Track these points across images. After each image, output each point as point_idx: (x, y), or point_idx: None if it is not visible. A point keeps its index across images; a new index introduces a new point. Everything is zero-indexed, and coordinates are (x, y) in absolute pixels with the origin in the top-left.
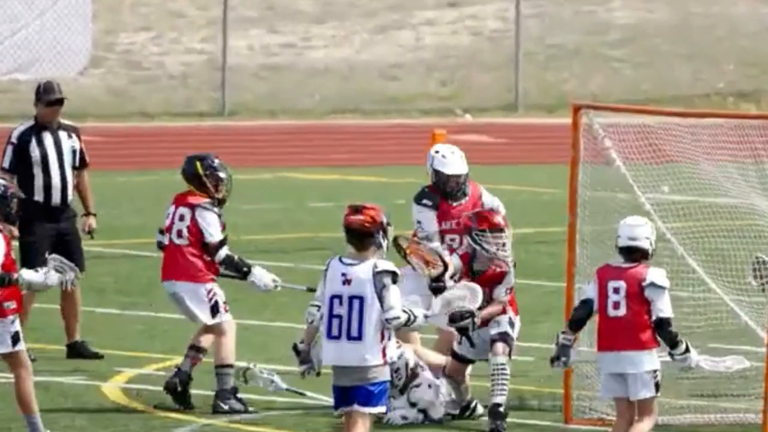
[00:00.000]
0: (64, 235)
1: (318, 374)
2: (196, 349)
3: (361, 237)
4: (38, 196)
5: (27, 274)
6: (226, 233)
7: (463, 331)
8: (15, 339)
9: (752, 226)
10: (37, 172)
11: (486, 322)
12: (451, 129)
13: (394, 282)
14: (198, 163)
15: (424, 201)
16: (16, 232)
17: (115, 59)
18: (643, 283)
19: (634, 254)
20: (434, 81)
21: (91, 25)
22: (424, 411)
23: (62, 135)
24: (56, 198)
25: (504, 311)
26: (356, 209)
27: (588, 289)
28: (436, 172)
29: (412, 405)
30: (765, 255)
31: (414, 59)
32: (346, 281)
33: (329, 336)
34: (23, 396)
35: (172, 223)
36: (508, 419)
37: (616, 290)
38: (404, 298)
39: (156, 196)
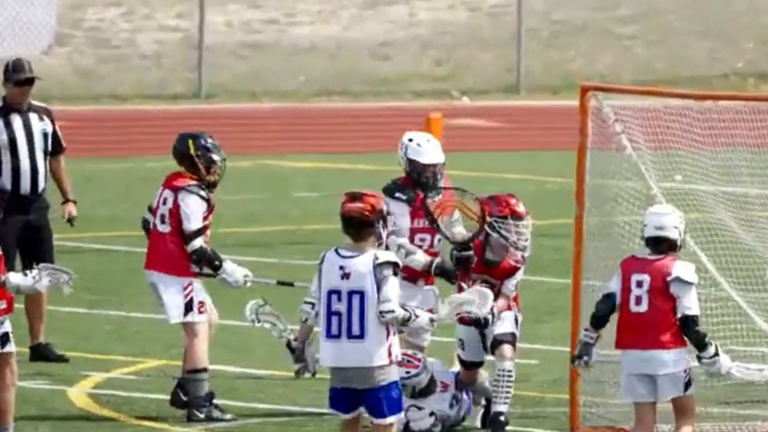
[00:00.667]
0: (34, 228)
1: (313, 375)
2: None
3: (360, 227)
4: (5, 184)
5: (14, 278)
6: (209, 222)
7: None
8: (3, 340)
9: None
10: (5, 157)
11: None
12: (447, 112)
13: (395, 274)
14: (190, 142)
15: (398, 194)
16: None
17: (82, 37)
18: (668, 278)
19: (661, 245)
20: (429, 60)
21: None
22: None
23: (33, 117)
24: (25, 186)
25: (509, 307)
26: (355, 197)
27: (612, 282)
28: (411, 162)
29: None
30: None
31: (407, 36)
32: (345, 275)
33: (328, 335)
34: (1, 403)
35: (158, 206)
36: (509, 427)
37: (639, 284)
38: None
39: (127, 186)
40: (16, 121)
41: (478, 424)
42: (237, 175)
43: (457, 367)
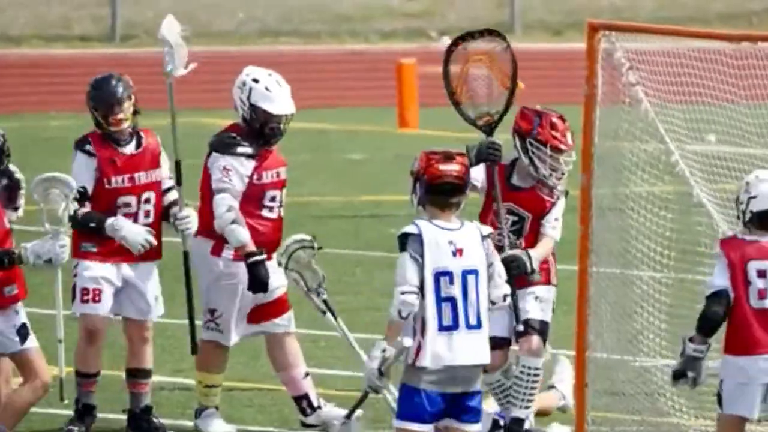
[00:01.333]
0: None
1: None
2: (134, 374)
3: (459, 192)
4: None
5: (32, 246)
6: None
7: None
8: (22, 334)
9: None
10: None
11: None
12: (423, 58)
13: None
14: (90, 86)
15: (240, 149)
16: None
17: None
18: None
19: None
20: None
21: None
22: None
23: None
24: None
25: (547, 277)
26: (448, 156)
27: (716, 276)
28: (254, 109)
29: None
30: None
31: None
32: (457, 251)
33: (441, 327)
34: (14, 408)
35: None
36: None
37: (763, 273)
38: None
39: (23, 148)
40: None
41: None
42: (161, 137)
43: None
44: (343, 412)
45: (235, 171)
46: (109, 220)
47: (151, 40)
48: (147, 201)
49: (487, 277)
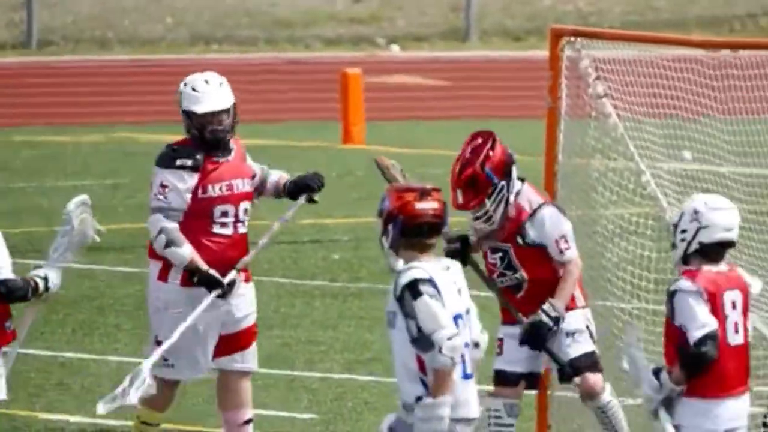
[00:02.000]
0: None
1: None
2: None
3: (437, 233)
4: None
5: (47, 271)
6: None
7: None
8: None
9: None
10: None
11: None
12: (370, 67)
13: None
14: None
15: (180, 161)
16: None
17: None
18: (749, 295)
19: (725, 252)
20: None
21: None
22: None
23: None
24: None
25: (573, 302)
26: (424, 193)
27: (702, 314)
28: (187, 114)
29: None
30: None
31: None
32: (458, 291)
33: (465, 375)
34: None
35: None
36: None
37: (734, 305)
38: None
39: None
40: None
41: None
42: (82, 152)
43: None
44: None
45: (172, 187)
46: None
47: (70, 47)
48: None
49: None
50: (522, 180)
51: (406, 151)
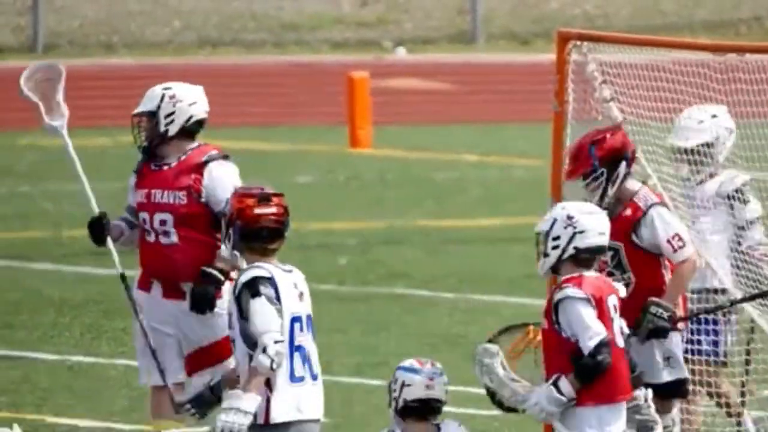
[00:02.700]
0: None
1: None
2: None
3: (278, 237)
4: None
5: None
6: None
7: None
8: None
9: None
10: None
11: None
12: (376, 70)
13: None
14: None
15: (137, 164)
16: None
17: None
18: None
19: (598, 258)
20: None
21: None
22: None
23: None
24: None
25: (675, 320)
26: (264, 198)
27: (592, 320)
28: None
29: None
30: None
31: None
32: (300, 294)
33: (293, 378)
34: None
35: None
36: None
37: (616, 308)
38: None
39: None
40: None
41: None
42: (91, 157)
43: None
44: None
45: (129, 185)
46: None
47: (76, 50)
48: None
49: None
50: (643, 182)
51: (412, 155)
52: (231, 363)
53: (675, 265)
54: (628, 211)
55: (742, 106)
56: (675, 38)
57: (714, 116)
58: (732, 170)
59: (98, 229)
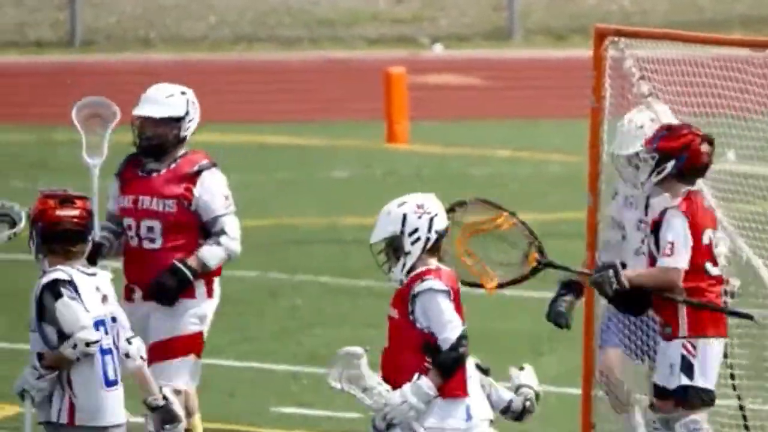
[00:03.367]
0: None
1: None
2: None
3: (80, 240)
4: None
5: None
6: None
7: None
8: None
9: None
10: None
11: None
12: (413, 66)
13: None
14: None
15: (118, 168)
16: None
17: None
18: None
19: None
20: None
21: None
22: None
23: None
24: None
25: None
26: (66, 200)
27: (452, 312)
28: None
29: None
30: None
31: None
32: (104, 297)
33: (103, 381)
34: None
35: None
36: None
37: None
38: None
39: None
40: None
41: None
42: (123, 151)
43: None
44: None
45: (110, 191)
46: None
47: (113, 46)
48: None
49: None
50: (690, 190)
51: (449, 150)
52: (191, 358)
53: (657, 267)
54: (655, 212)
55: None
56: (712, 34)
57: (652, 120)
58: None
59: (92, 253)
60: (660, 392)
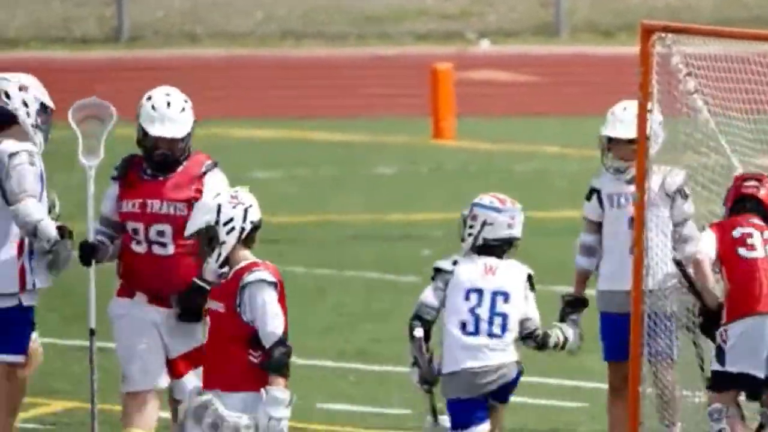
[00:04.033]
0: None
1: None
2: None
3: None
4: None
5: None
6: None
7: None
8: None
9: None
10: None
11: None
12: (460, 62)
13: None
14: None
15: (114, 171)
16: None
17: None
18: None
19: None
20: None
21: None
22: None
23: None
24: None
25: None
26: None
27: (277, 307)
28: (142, 131)
29: None
30: None
31: None
32: None
33: None
34: None
35: None
36: None
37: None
38: None
39: None
40: None
41: None
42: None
43: None
44: None
45: (108, 194)
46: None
47: (160, 41)
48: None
49: None
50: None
51: (496, 146)
52: None
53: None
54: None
55: None
56: (760, 31)
57: (649, 111)
58: (664, 166)
59: (88, 254)
60: None
